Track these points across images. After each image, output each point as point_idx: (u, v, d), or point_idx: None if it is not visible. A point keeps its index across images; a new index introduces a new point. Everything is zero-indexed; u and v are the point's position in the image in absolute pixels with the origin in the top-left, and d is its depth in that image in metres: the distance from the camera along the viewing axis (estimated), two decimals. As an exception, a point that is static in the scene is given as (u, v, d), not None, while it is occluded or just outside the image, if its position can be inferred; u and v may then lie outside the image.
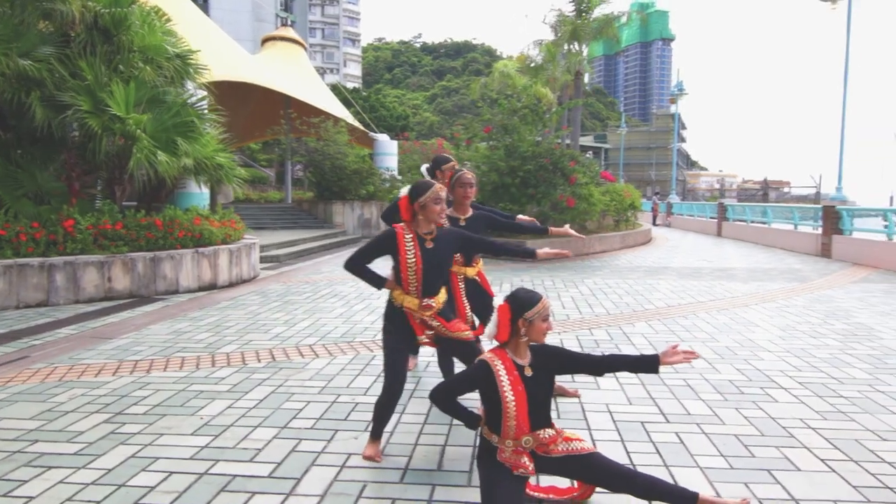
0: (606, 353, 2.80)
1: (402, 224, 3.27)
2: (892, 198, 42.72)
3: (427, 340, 3.36)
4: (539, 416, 2.73)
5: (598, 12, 23.73)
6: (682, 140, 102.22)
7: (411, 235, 3.22)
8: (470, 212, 4.20)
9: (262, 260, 12.34)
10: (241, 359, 5.27)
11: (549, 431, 2.75)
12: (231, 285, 9.48)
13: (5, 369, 4.98)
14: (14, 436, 3.60)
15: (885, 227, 13.17)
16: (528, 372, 2.73)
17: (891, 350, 5.58)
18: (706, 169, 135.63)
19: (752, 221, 19.57)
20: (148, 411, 4.01)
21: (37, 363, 5.16)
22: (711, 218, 23.03)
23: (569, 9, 23.78)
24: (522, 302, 2.75)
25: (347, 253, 14.29)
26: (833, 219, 13.57)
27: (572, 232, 4.19)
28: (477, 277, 4.27)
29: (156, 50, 9.47)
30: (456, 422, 3.79)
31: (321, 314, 7.20)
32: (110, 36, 9.10)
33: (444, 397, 2.90)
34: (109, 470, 3.15)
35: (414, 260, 3.19)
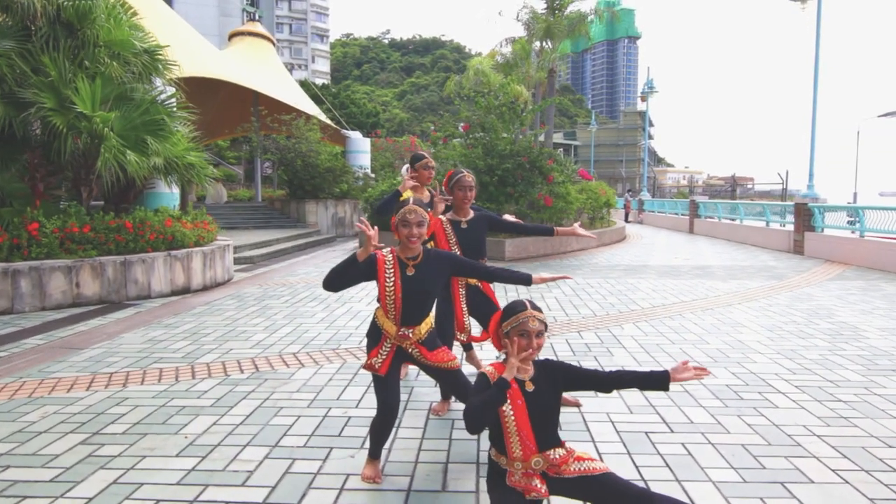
0: (615, 370, 2.68)
1: (386, 249, 3.08)
2: (855, 194, 43.76)
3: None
4: (546, 434, 2.60)
5: (570, 10, 23.74)
6: (651, 137, 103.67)
7: (393, 260, 3.03)
8: (471, 214, 4.06)
9: (236, 261, 12.02)
10: (222, 369, 5.04)
11: (560, 451, 2.62)
12: (205, 289, 9.18)
13: (-31, 385, 4.67)
14: (-18, 461, 3.34)
15: (850, 222, 13.43)
16: (529, 387, 2.60)
17: (879, 350, 5.60)
18: (673, 165, 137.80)
19: (724, 218, 19.80)
20: (127, 430, 3.77)
21: (3, 377, 4.86)
22: (683, 215, 23.28)
23: (541, 6, 23.76)
24: (506, 311, 2.63)
25: (322, 253, 13.90)
26: (805, 216, 13.76)
27: (582, 231, 3.99)
28: (479, 284, 4.13)
29: (122, 45, 9.09)
30: (456, 436, 3.65)
31: (302, 319, 6.98)
32: (74, 30, 8.71)
33: (475, 416, 2.51)
34: (90, 499, 2.93)
35: (393, 287, 3.00)
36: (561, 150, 60.91)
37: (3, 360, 5.33)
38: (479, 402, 2.45)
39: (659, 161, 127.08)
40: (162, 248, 8.72)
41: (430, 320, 3.24)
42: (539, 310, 2.57)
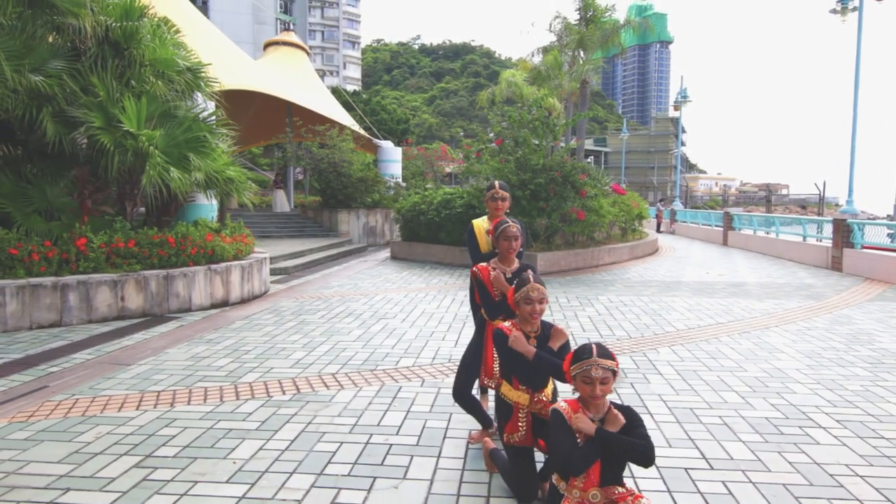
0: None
1: (507, 324, 3.31)
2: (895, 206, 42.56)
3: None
4: (611, 472, 2.68)
5: (603, 19, 23.63)
6: (683, 144, 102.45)
7: (519, 335, 3.23)
8: (515, 263, 3.97)
9: (271, 272, 12.23)
10: (264, 390, 5.18)
11: (619, 490, 2.70)
12: (243, 302, 9.38)
13: (26, 402, 4.88)
14: (44, 483, 3.50)
15: (890, 235, 13.13)
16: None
17: (922, 381, 5.50)
18: (705, 172, 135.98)
19: (760, 231, 19.51)
20: (178, 453, 3.91)
21: (57, 394, 5.07)
22: (717, 227, 22.99)
23: (574, 17, 23.73)
24: (576, 354, 2.71)
25: (354, 263, 13.98)
26: (844, 232, 13.51)
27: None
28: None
29: (167, 63, 9.36)
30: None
31: (339, 336, 7.11)
32: (121, 50, 9.00)
33: (571, 459, 2.64)
34: (148, 526, 3.06)
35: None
36: (591, 157, 60.59)
37: (55, 377, 5.55)
38: (582, 457, 2.61)
39: (691, 167, 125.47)
40: (202, 262, 8.94)
41: (552, 383, 3.42)
42: (607, 355, 2.63)
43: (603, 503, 2.63)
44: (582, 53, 23.45)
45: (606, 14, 23.15)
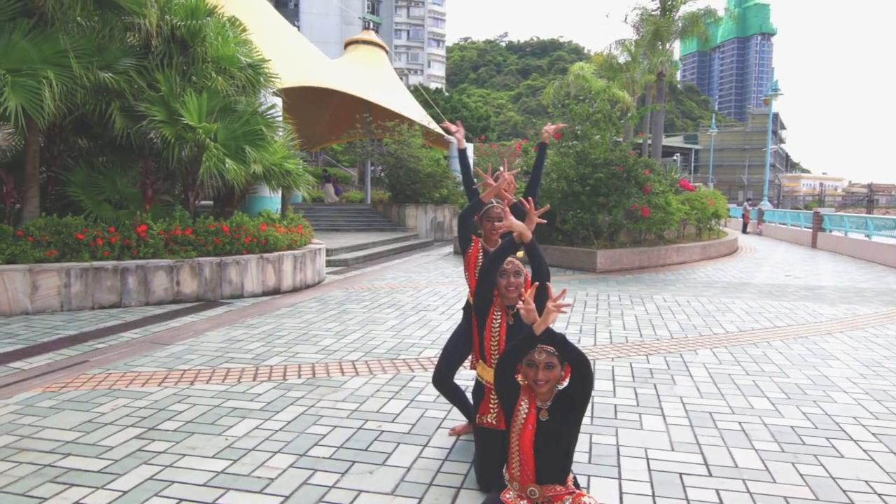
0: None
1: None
2: None
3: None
4: (549, 467, 2.56)
5: (684, 10, 22.62)
6: (781, 141, 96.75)
7: (500, 310, 3.26)
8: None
9: (331, 264, 12.55)
10: (282, 373, 5.29)
11: (558, 487, 2.56)
12: (294, 290, 9.65)
13: (64, 374, 5.21)
14: (50, 447, 3.72)
15: None
16: (544, 415, 2.61)
17: None
18: (808, 171, 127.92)
19: (852, 233, 18.11)
20: (179, 428, 4.06)
21: (94, 368, 5.38)
22: (806, 227, 21.52)
23: (653, 7, 22.83)
24: None
25: (416, 257, 14.08)
26: (942, 234, 12.30)
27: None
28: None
29: (228, 60, 9.76)
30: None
31: (373, 325, 7.17)
32: (187, 47, 9.45)
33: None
34: (124, 492, 3.18)
35: (498, 331, 3.23)
36: (677, 154, 58.28)
37: (98, 352, 5.90)
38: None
39: (792, 167, 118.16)
40: (256, 250, 9.26)
41: None
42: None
43: (541, 500, 2.51)
44: (659, 45, 22.49)
45: (687, 2, 22.09)
